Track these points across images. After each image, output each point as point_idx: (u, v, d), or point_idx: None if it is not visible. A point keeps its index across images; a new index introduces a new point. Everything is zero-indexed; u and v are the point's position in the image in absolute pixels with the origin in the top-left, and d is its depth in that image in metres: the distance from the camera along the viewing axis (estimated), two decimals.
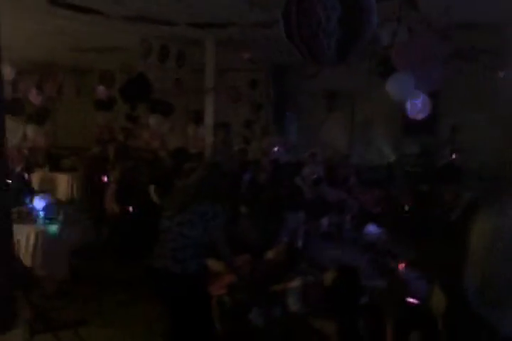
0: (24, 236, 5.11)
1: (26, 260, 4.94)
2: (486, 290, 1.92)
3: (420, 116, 5.46)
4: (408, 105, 5.31)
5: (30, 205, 5.66)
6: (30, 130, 9.32)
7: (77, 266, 5.58)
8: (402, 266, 6.04)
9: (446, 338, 2.12)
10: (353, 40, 3.07)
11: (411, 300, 3.47)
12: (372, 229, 7.64)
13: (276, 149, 9.79)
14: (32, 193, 6.16)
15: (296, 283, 3.92)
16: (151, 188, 5.75)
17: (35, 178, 7.98)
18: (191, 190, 3.59)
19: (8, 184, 3.16)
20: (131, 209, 5.84)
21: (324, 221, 6.99)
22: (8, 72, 7.80)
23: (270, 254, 4.52)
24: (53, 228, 5.30)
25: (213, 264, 4.46)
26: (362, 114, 11.02)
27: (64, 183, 8.01)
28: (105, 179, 6.64)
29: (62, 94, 9.59)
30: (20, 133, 9.00)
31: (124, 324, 4.75)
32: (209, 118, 8.23)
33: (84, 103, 10.99)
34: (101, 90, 9.73)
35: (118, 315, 4.93)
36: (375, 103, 8.61)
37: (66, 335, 3.94)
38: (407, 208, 7.61)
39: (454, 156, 9.29)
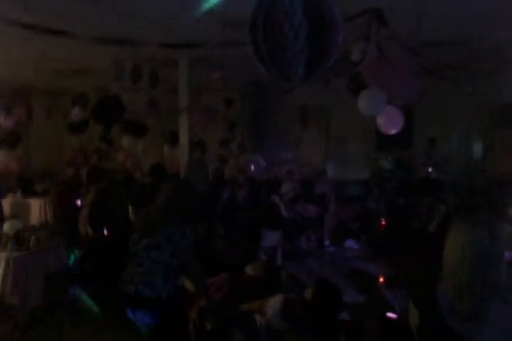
0: None
1: None
2: (459, 304, 1.91)
3: (393, 131, 5.49)
4: (380, 120, 5.34)
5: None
6: (2, 154, 9.15)
7: (51, 292, 5.42)
8: (381, 281, 6.05)
9: None
10: (321, 58, 3.08)
11: (390, 315, 3.45)
12: (351, 244, 7.67)
13: (252, 167, 9.78)
14: (1, 219, 6.00)
15: (276, 300, 3.87)
16: (130, 209, 5.65)
17: (7, 203, 7.81)
18: (157, 212, 3.43)
19: None
20: (105, 232, 5.72)
21: (302, 238, 6.99)
22: None
23: (249, 270, 4.46)
24: None
25: (190, 286, 4.38)
26: (337, 130, 11.12)
27: (37, 208, 7.84)
28: (78, 202, 6.53)
29: (33, 117, 9.47)
30: None
31: None
32: (184, 138, 8.19)
33: (56, 126, 10.87)
34: (76, 112, 9.63)
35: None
36: (349, 118, 8.69)
37: None
38: (384, 222, 7.66)
39: (430, 170, 9.38)
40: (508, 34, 6.21)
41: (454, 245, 1.98)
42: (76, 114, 9.65)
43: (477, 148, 9.85)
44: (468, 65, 7.79)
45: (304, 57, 3.23)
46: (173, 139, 9.65)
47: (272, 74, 3.16)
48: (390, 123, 5.32)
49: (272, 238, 6.47)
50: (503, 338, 1.91)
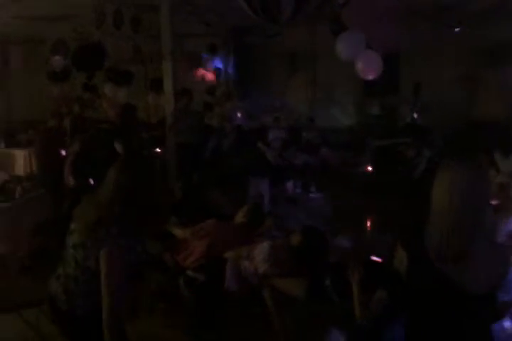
0: None
1: None
2: (446, 247, 1.92)
3: (371, 77, 5.39)
4: (358, 65, 5.23)
5: None
6: None
7: (40, 243, 5.46)
8: (368, 223, 6.17)
9: (411, 297, 2.13)
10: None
11: (375, 258, 3.52)
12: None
13: (239, 115, 9.70)
14: None
15: (263, 246, 3.93)
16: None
17: None
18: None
19: None
20: (91, 181, 5.68)
21: (289, 184, 7.03)
22: None
23: (238, 217, 4.51)
24: None
25: (178, 231, 4.43)
26: (324, 76, 10.95)
27: (21, 158, 7.77)
28: (63, 152, 6.45)
29: (11, 65, 9.19)
30: None
31: None
32: (168, 86, 8.01)
33: (36, 74, 10.57)
34: (57, 60, 9.35)
35: None
36: (336, 65, 8.54)
37: (30, 313, 3.88)
38: (370, 168, 7.71)
39: (415, 116, 9.36)
40: None
41: (441, 188, 1.98)
42: (57, 61, 9.38)
43: (463, 92, 9.79)
44: (459, 6, 7.60)
45: None
46: (158, 87, 9.45)
47: (259, 16, 3.06)
48: (368, 68, 5.22)
49: (259, 185, 6.51)
50: (489, 278, 1.95)
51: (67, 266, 2.42)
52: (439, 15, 8.15)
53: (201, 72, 10.79)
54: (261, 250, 3.90)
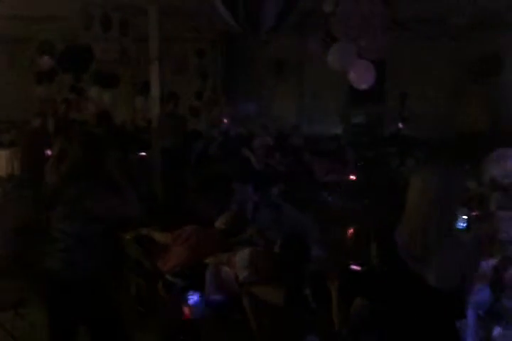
0: None
1: None
2: (413, 246, 2.01)
3: (365, 86, 5.44)
4: (352, 75, 5.28)
5: None
6: None
7: (19, 244, 5.39)
8: (350, 232, 6.18)
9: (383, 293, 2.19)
10: (289, 9, 3.01)
11: (354, 267, 3.53)
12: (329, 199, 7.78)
13: (225, 120, 9.70)
14: None
15: (244, 252, 3.93)
16: None
17: None
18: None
19: None
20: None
21: (273, 191, 7.03)
22: None
23: (219, 223, 4.50)
24: None
25: (158, 236, 4.41)
26: (311, 84, 11.01)
27: (3, 159, 7.69)
28: (48, 153, 6.40)
29: None
30: None
31: None
32: (155, 90, 8.00)
33: (20, 74, 10.48)
34: (45, 60, 9.28)
35: None
36: (323, 73, 8.59)
37: (5, 316, 3.82)
38: (353, 177, 7.75)
39: (400, 125, 9.44)
40: None
41: (412, 191, 2.08)
42: (44, 62, 9.31)
43: (448, 103, 9.91)
44: (444, 19, 7.71)
45: (277, 9, 3.15)
46: (145, 90, 9.43)
47: (241, 25, 3.08)
48: (361, 77, 5.27)
49: (243, 191, 6.50)
50: (453, 276, 2.02)
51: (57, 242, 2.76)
52: (423, 27, 8.28)
53: None
54: (241, 256, 3.90)
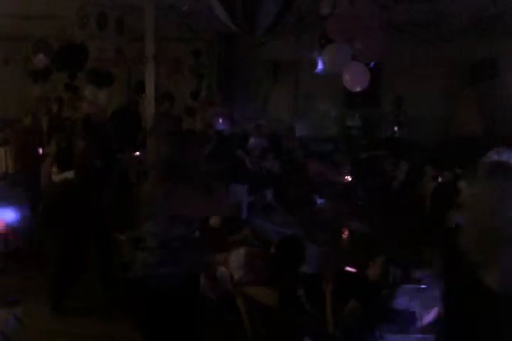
0: None
1: None
2: (471, 252, 2.09)
3: (359, 88, 5.45)
4: (346, 77, 5.28)
5: None
6: None
7: (13, 243, 5.37)
8: (345, 234, 6.19)
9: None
10: (285, 10, 3.02)
11: (349, 269, 3.54)
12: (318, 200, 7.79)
13: (220, 120, 9.67)
14: None
15: (239, 252, 3.93)
16: None
17: None
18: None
19: None
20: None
21: (268, 193, 7.04)
22: None
23: (213, 222, 4.50)
24: None
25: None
26: (306, 86, 11.02)
27: None
28: (40, 152, 6.38)
29: None
30: None
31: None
32: (150, 89, 7.97)
33: (15, 73, 10.43)
34: (40, 59, 9.22)
35: None
36: (319, 75, 8.61)
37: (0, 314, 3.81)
38: (349, 179, 7.77)
39: (395, 129, 9.45)
40: None
41: (470, 201, 2.24)
42: (40, 60, 9.26)
43: (443, 106, 9.94)
44: (439, 22, 7.74)
45: (275, 8, 3.15)
46: (140, 90, 9.40)
47: (238, 25, 3.07)
48: (355, 79, 5.29)
49: (237, 192, 6.50)
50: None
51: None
52: (420, 30, 8.30)
53: None
54: (237, 256, 3.90)
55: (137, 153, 7.77)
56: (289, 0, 3.00)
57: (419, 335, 3.29)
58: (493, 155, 3.39)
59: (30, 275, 4.97)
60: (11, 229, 5.33)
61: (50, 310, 4.25)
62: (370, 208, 6.77)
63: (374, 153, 8.21)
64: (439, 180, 6.33)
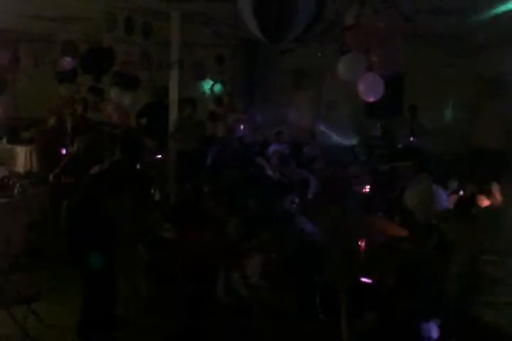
0: None
1: None
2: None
3: (371, 99, 5.46)
4: (360, 87, 5.30)
5: None
6: None
7: (34, 240, 5.46)
8: (362, 245, 6.16)
9: None
10: (315, 20, 3.05)
11: (365, 280, 3.54)
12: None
13: (242, 127, 9.73)
14: None
15: (257, 260, 3.96)
16: None
17: None
18: None
19: None
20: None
21: (286, 200, 7.03)
22: None
23: (230, 229, 4.54)
24: None
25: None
26: (328, 94, 11.03)
27: (22, 155, 7.79)
28: (64, 152, 6.49)
29: (21, 63, 9.24)
30: None
31: (78, 300, 4.68)
32: (174, 93, 8.09)
33: (44, 73, 10.62)
34: (67, 61, 9.40)
35: (72, 291, 4.84)
36: (341, 83, 8.64)
37: (19, 311, 3.88)
38: (368, 189, 7.73)
39: (412, 139, 9.41)
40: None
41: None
42: (66, 62, 9.43)
43: (463, 118, 9.89)
44: (463, 36, 7.73)
45: (306, 19, 3.18)
46: (164, 94, 9.50)
47: (267, 35, 3.11)
48: (368, 90, 5.29)
49: (256, 199, 6.51)
50: None
51: None
52: (444, 42, 8.28)
53: None
54: (253, 263, 3.93)
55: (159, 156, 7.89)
56: (320, 11, 3.03)
57: None
58: None
59: (50, 272, 5.05)
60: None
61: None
62: (389, 220, 6.72)
63: (394, 164, 8.16)
64: (460, 193, 6.27)
